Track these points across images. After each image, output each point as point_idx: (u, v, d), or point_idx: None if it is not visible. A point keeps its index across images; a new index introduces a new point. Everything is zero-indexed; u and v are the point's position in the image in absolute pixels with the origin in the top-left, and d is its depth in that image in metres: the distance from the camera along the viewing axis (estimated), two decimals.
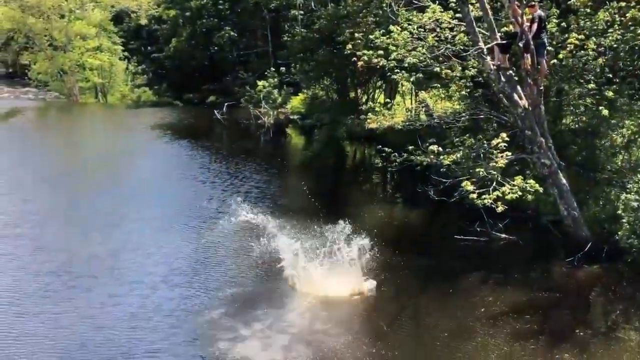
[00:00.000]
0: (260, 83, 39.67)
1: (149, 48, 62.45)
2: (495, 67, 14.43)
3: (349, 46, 17.93)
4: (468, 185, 13.27)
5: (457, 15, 15.15)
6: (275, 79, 39.94)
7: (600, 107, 15.50)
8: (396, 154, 14.84)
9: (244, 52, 54.77)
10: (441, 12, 15.45)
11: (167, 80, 59.65)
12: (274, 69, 40.85)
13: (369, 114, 24.02)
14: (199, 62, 56.46)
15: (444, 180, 14.46)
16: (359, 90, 34.78)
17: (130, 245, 15.64)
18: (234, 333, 10.63)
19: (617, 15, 15.02)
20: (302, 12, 44.64)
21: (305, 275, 12.76)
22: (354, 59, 16.97)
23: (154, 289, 12.72)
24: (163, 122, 40.98)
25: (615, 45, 15.00)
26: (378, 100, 34.53)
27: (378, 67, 16.40)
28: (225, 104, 43.49)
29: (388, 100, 31.76)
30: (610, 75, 16.15)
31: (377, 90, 35.32)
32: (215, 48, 53.93)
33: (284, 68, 40.36)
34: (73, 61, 55.48)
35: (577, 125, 17.93)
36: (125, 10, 60.39)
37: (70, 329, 10.95)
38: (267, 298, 12.14)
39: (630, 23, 14.89)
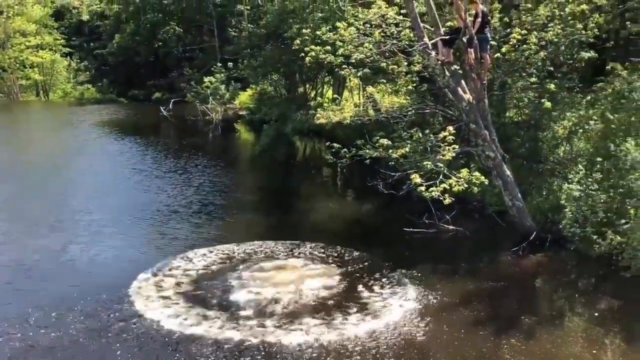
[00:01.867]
0: (207, 79, 39.52)
1: (91, 44, 61.46)
2: (439, 62, 14.66)
3: (297, 42, 17.93)
4: (416, 178, 13.46)
5: (402, 11, 15.32)
6: (222, 75, 39.84)
7: (542, 100, 15.95)
8: (346, 149, 14.95)
9: (190, 47, 54.41)
10: (386, 7, 15.61)
11: (111, 77, 58.85)
12: (220, 65, 40.72)
13: (318, 109, 24.12)
14: (144, 58, 55.84)
15: (393, 174, 14.61)
16: (307, 86, 34.95)
17: (80, 239, 15.53)
18: (188, 323, 10.63)
19: (557, 10, 15.46)
20: (248, 7, 44.56)
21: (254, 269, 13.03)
22: (302, 54, 16.99)
23: (104, 284, 12.57)
24: (109, 119, 40.44)
25: (555, 40, 15.44)
26: (326, 96, 34.81)
27: (325, 63, 16.48)
28: (172, 100, 43.19)
29: (336, 96, 32.05)
30: (552, 69, 16.63)
31: (325, 86, 35.58)
32: (160, 44, 53.47)
33: (231, 63, 40.24)
34: (13, 59, 54.20)
35: (520, 118, 18.38)
36: (66, 6, 59.30)
37: (23, 323, 10.76)
38: (219, 288, 12.14)
39: (569, 18, 15.36)
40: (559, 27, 15.25)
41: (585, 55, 16.27)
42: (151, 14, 51.90)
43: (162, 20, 51.79)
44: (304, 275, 12.80)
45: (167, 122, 38.81)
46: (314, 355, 9.71)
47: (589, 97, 16.98)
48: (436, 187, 13.43)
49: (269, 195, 20.96)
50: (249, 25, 39.65)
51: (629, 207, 13.04)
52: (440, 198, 13.33)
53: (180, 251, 14.53)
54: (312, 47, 16.30)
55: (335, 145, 15.15)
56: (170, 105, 41.47)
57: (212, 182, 21.83)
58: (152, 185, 21.46)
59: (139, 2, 51.92)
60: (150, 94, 52.71)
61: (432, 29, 14.85)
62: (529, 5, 15.68)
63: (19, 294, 12.33)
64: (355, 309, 11.36)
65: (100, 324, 10.88)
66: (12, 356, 9.77)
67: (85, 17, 60.05)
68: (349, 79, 26.08)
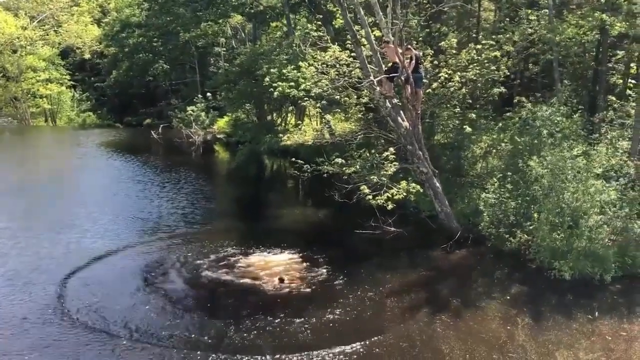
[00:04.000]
0: (190, 108, 39.19)
1: (92, 78, 60.50)
2: (383, 95, 14.89)
3: (267, 79, 17.99)
4: (365, 190, 13.69)
5: (352, 54, 15.54)
6: (203, 104, 39.56)
7: (464, 126, 16.33)
8: (307, 165, 15.04)
9: (176, 82, 53.98)
10: (340, 51, 15.81)
11: (109, 106, 58.10)
12: (201, 96, 40.41)
13: (284, 133, 24.18)
14: (137, 90, 55.32)
15: (346, 185, 14.74)
16: (274, 114, 34.95)
17: (91, 234, 15.60)
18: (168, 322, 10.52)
19: (475, 55, 15.90)
20: (224, 49, 44.47)
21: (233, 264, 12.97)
22: (271, 89, 17.05)
23: (111, 269, 12.49)
24: (108, 141, 39.79)
25: (474, 78, 15.86)
26: (290, 122, 34.87)
27: (290, 96, 16.58)
28: (161, 125, 42.63)
29: (299, 122, 32.17)
30: (471, 101, 17.06)
31: (289, 114, 35.60)
32: (151, 78, 52.95)
33: (210, 95, 39.99)
34: (25, 90, 53.03)
35: (446, 141, 18.75)
36: (71, 46, 58.22)
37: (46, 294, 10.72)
38: (200, 286, 12.05)
39: (485, 61, 15.82)
40: (477, 68, 15.66)
41: (497, 90, 16.74)
42: (143, 54, 51.29)
43: (152, 59, 51.20)
44: (274, 269, 12.78)
45: (157, 144, 38.26)
46: (289, 328, 9.77)
47: (500, 124, 17.44)
48: (381, 196, 13.63)
49: (243, 204, 20.86)
50: (225, 64, 39.51)
51: (533, 212, 13.43)
52: (385, 205, 13.53)
53: (169, 248, 14.48)
54: (280, 83, 16.40)
55: (300, 161, 15.24)
56: (160, 130, 40.94)
57: (196, 193, 21.61)
58: (146, 194, 21.15)
59: (132, 44, 51.23)
60: (142, 120, 52.06)
61: (377, 68, 15.07)
62: (454, 51, 16.04)
63: (44, 275, 12.46)
64: (319, 295, 11.43)
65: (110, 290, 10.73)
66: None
67: (87, 56, 59.01)
68: (309, 108, 26.22)
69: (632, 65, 20.80)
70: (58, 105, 56.12)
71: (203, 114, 39.40)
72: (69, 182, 24.26)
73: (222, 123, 41.65)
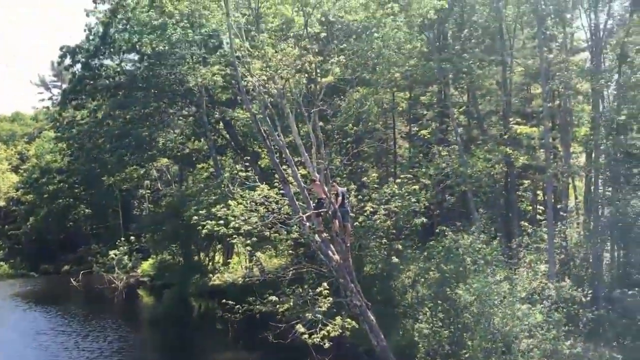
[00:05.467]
0: (112, 252, 37.79)
1: (6, 226, 57.75)
2: (312, 230, 15.06)
3: (195, 218, 17.90)
4: (300, 328, 13.37)
5: (281, 191, 15.89)
6: (126, 248, 38.29)
7: (392, 257, 16.69)
8: (239, 305, 14.63)
9: (97, 225, 52.42)
10: (268, 189, 16.14)
11: (23, 254, 54.98)
12: (124, 239, 39.25)
13: (213, 273, 23.65)
14: (55, 236, 53.17)
15: (280, 325, 14.33)
16: (201, 254, 34.31)
17: None
18: None
19: (396, 189, 16.72)
20: (149, 191, 44.28)
21: None
22: (199, 227, 16.89)
23: None
24: (22, 291, 37.35)
25: (397, 210, 16.51)
26: (218, 261, 34.21)
27: (219, 234, 16.46)
28: (81, 272, 40.57)
29: (229, 260, 31.70)
30: (394, 232, 17.61)
31: (217, 253, 35.02)
32: (70, 223, 51.29)
33: (133, 237, 38.89)
34: None
35: (375, 272, 18.97)
36: None
37: None
38: None
39: (406, 194, 16.63)
40: (399, 201, 16.38)
41: (419, 221, 17.41)
42: (63, 199, 50.14)
43: (73, 204, 50.10)
44: None
45: (76, 292, 36.24)
46: None
47: (425, 253, 17.93)
48: (317, 334, 13.34)
49: (172, 351, 19.75)
50: (149, 205, 39.11)
51: (466, 339, 13.51)
52: (321, 343, 13.20)
53: None
54: (208, 221, 16.31)
55: (230, 302, 14.82)
56: (80, 277, 38.93)
57: (120, 341, 20.43)
58: (66, 346, 20.02)
59: (52, 190, 50.08)
60: (60, 267, 49.47)
61: (305, 205, 15.39)
62: (376, 185, 16.80)
63: None
64: None
65: None
66: None
67: (1, 203, 56.88)
68: (237, 245, 26.05)
69: (538, 192, 22.51)
70: None
71: (126, 257, 38.03)
72: None
73: (146, 266, 40.28)
